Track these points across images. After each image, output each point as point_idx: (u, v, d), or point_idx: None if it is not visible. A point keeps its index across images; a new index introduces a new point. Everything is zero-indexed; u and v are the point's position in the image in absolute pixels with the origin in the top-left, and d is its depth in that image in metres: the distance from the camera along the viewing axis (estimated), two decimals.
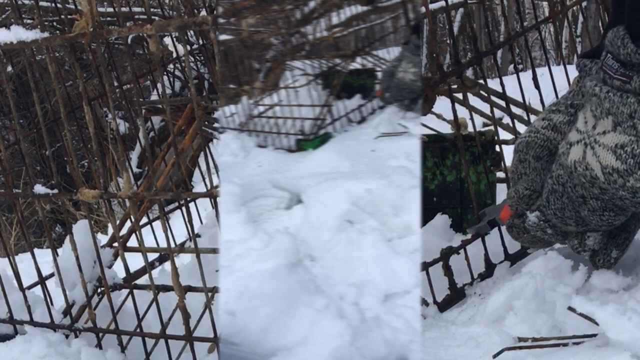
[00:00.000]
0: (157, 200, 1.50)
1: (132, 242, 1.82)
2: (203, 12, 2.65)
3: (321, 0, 1.81)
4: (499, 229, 1.68)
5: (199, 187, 4.38)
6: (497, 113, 1.97)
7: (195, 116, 1.88)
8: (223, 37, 1.78)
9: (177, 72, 4.92)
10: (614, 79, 1.15)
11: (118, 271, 1.82)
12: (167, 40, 3.16)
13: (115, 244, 1.88)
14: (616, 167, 1.15)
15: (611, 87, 1.15)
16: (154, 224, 2.23)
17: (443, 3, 1.89)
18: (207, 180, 1.45)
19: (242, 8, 1.71)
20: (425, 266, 1.59)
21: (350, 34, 1.84)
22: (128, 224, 1.99)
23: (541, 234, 1.37)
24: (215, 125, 2.36)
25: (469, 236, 1.67)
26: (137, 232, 1.56)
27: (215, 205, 1.46)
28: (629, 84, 1.13)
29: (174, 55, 2.91)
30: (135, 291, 1.66)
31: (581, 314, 1.26)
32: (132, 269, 1.83)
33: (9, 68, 4.88)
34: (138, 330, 1.62)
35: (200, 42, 2.88)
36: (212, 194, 1.39)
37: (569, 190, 1.25)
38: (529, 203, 1.36)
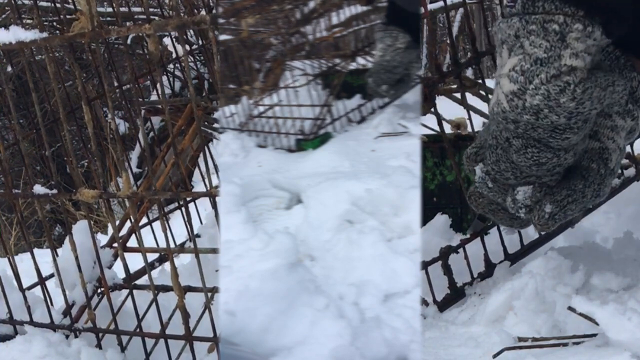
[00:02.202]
0: (157, 201, 1.50)
1: (132, 242, 1.81)
2: (203, 13, 2.65)
3: (321, 0, 1.81)
4: (498, 228, 1.68)
5: (198, 187, 4.38)
6: None
7: (194, 116, 1.88)
8: (223, 37, 1.78)
9: (177, 72, 4.93)
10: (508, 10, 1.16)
11: (118, 272, 1.82)
12: (167, 40, 3.16)
13: (115, 245, 1.88)
14: (512, 89, 1.12)
15: (502, 18, 1.15)
16: (154, 224, 2.23)
17: (442, 3, 1.89)
18: (206, 180, 1.45)
19: (241, 8, 1.71)
20: (425, 265, 1.59)
21: (350, 34, 1.84)
22: (128, 224, 1.99)
23: (486, 190, 1.31)
24: (215, 125, 2.36)
25: (468, 236, 1.67)
26: (137, 233, 1.56)
27: (214, 205, 1.46)
28: (514, 8, 1.13)
29: (174, 55, 2.92)
30: (135, 291, 1.66)
31: (581, 314, 1.26)
32: (132, 270, 1.83)
33: (9, 68, 4.88)
34: (138, 330, 1.62)
35: (200, 42, 2.88)
36: (211, 194, 1.39)
37: (498, 138, 1.22)
38: (476, 160, 1.31)
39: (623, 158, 1.27)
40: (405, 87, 1.68)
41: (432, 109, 1.71)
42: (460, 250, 1.64)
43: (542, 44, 1.09)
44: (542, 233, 1.72)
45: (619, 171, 1.72)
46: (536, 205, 1.24)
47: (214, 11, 2.40)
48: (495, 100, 1.17)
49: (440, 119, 1.68)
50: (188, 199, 2.28)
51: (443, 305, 1.61)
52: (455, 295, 1.63)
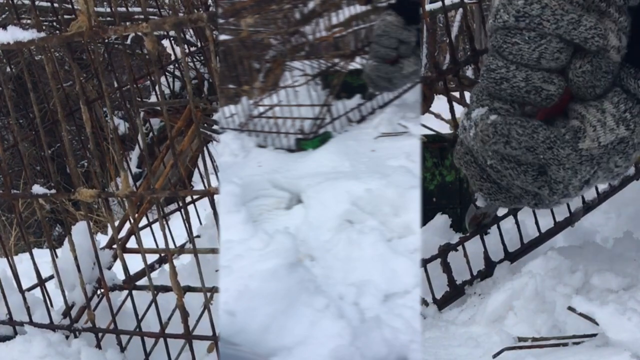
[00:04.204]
0: (156, 200, 1.49)
1: (133, 243, 1.81)
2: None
3: (320, 1, 1.81)
4: (498, 227, 1.68)
5: (198, 187, 4.37)
6: None
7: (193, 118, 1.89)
8: (223, 37, 1.78)
9: (177, 73, 4.92)
10: None
11: (118, 272, 1.82)
12: (166, 42, 3.16)
13: (115, 246, 1.88)
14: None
15: None
16: (153, 225, 2.22)
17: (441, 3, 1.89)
18: (205, 180, 1.45)
19: (241, 8, 1.71)
20: (424, 263, 1.59)
21: (349, 34, 1.84)
22: (128, 225, 1.98)
23: (462, 132, 1.26)
24: (215, 126, 2.36)
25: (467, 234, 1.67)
26: (136, 233, 1.56)
27: (213, 205, 1.46)
28: None
29: (172, 57, 2.92)
30: (135, 292, 1.66)
31: (581, 314, 1.26)
32: (132, 270, 1.83)
33: (8, 68, 4.88)
34: (137, 330, 1.62)
35: (200, 43, 2.88)
36: (210, 192, 1.39)
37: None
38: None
39: (609, 166, 1.22)
40: (400, 74, 1.70)
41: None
42: (460, 248, 1.64)
43: None
44: (541, 232, 1.71)
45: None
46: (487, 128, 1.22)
47: (211, 9, 2.40)
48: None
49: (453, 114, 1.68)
50: (187, 199, 2.29)
51: (442, 304, 1.61)
52: (455, 293, 1.63)
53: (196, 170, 4.14)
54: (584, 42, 1.14)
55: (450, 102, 1.69)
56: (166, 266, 1.99)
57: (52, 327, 1.70)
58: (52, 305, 1.77)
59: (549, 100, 1.18)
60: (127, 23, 1.36)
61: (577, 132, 1.18)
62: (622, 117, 1.17)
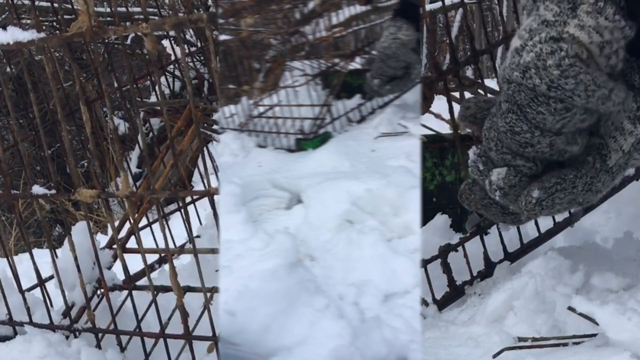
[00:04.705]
0: (156, 200, 1.50)
1: (133, 243, 1.81)
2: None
3: (320, 1, 1.81)
4: (498, 227, 1.68)
5: (198, 187, 4.37)
6: None
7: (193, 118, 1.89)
8: (223, 37, 1.78)
9: (177, 73, 4.92)
10: None
11: (118, 272, 1.82)
12: (166, 42, 3.16)
13: (115, 246, 1.88)
14: (516, 45, 1.12)
15: None
16: (153, 226, 2.22)
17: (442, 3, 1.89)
18: (205, 180, 1.45)
19: (241, 8, 1.71)
20: (424, 264, 1.59)
21: (349, 34, 1.84)
22: (128, 225, 1.98)
23: (477, 174, 1.29)
24: (215, 127, 2.35)
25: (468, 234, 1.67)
26: (136, 233, 1.56)
27: (213, 205, 1.46)
28: None
29: (172, 57, 2.91)
30: (135, 292, 1.66)
31: (581, 314, 1.26)
32: (132, 271, 1.83)
33: (8, 69, 4.88)
34: (137, 330, 1.62)
35: (200, 43, 2.88)
36: (209, 192, 1.39)
37: (496, 104, 1.21)
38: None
39: (627, 165, 1.24)
40: (401, 86, 1.68)
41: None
42: (460, 248, 1.64)
43: (553, 9, 1.09)
44: (541, 232, 1.71)
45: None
46: (511, 189, 1.21)
47: (211, 9, 2.40)
48: (504, 63, 1.18)
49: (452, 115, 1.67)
50: (187, 199, 2.29)
51: (442, 304, 1.61)
52: (455, 293, 1.63)
53: (196, 170, 4.14)
54: (608, 114, 1.14)
55: (449, 102, 1.69)
56: (166, 266, 1.99)
57: (52, 327, 1.70)
58: (52, 306, 1.77)
59: (570, 157, 1.18)
60: (127, 23, 1.36)
61: (601, 149, 1.18)
62: (636, 115, 1.17)
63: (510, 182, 1.22)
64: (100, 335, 1.68)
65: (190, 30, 4.44)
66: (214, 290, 1.50)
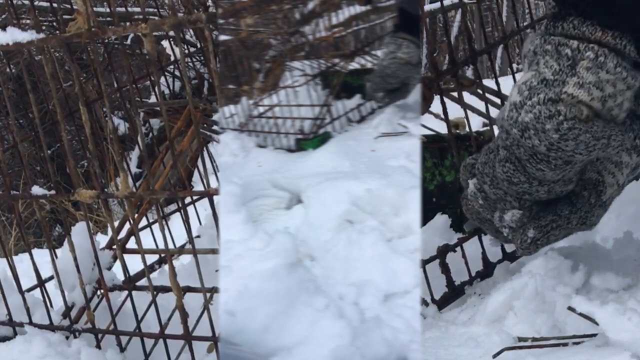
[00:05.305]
0: (156, 201, 1.50)
1: (132, 243, 1.81)
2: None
3: (320, 1, 1.81)
4: (489, 239, 1.68)
5: (198, 187, 4.37)
6: (495, 112, 1.97)
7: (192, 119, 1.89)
8: (223, 37, 1.78)
9: (177, 73, 4.92)
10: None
11: (118, 273, 1.82)
12: (166, 43, 3.16)
13: (114, 246, 1.88)
14: (515, 101, 1.11)
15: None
16: (153, 226, 2.22)
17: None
18: (204, 180, 1.45)
19: (241, 8, 1.71)
20: (422, 264, 1.59)
21: (349, 34, 1.84)
22: (128, 226, 1.98)
23: (477, 205, 1.31)
24: (214, 127, 2.35)
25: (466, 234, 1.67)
26: (136, 234, 1.56)
27: (213, 205, 1.46)
28: (539, 29, 1.13)
29: (172, 58, 2.91)
30: (134, 292, 1.66)
31: (581, 314, 1.26)
32: (132, 271, 1.83)
33: (8, 69, 4.88)
34: (137, 330, 1.62)
35: (200, 43, 2.88)
36: (209, 193, 1.39)
37: (494, 143, 1.21)
38: (472, 173, 1.31)
39: (619, 194, 1.25)
40: (399, 97, 1.69)
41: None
42: (458, 249, 1.64)
43: (552, 66, 1.07)
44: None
45: None
46: (520, 228, 1.23)
47: (210, 10, 2.40)
48: (503, 107, 1.17)
49: (447, 117, 1.68)
50: (187, 199, 2.29)
51: (441, 304, 1.61)
52: (454, 293, 1.63)
53: (196, 170, 4.13)
54: (609, 157, 1.14)
55: (443, 102, 1.69)
56: (166, 267, 1.99)
57: (52, 327, 1.70)
58: (52, 306, 1.77)
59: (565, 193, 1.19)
60: (126, 23, 1.36)
61: (597, 186, 1.17)
62: (633, 145, 1.16)
63: (522, 222, 1.23)
64: (100, 335, 1.68)
65: (190, 31, 4.44)
66: (214, 290, 1.50)
